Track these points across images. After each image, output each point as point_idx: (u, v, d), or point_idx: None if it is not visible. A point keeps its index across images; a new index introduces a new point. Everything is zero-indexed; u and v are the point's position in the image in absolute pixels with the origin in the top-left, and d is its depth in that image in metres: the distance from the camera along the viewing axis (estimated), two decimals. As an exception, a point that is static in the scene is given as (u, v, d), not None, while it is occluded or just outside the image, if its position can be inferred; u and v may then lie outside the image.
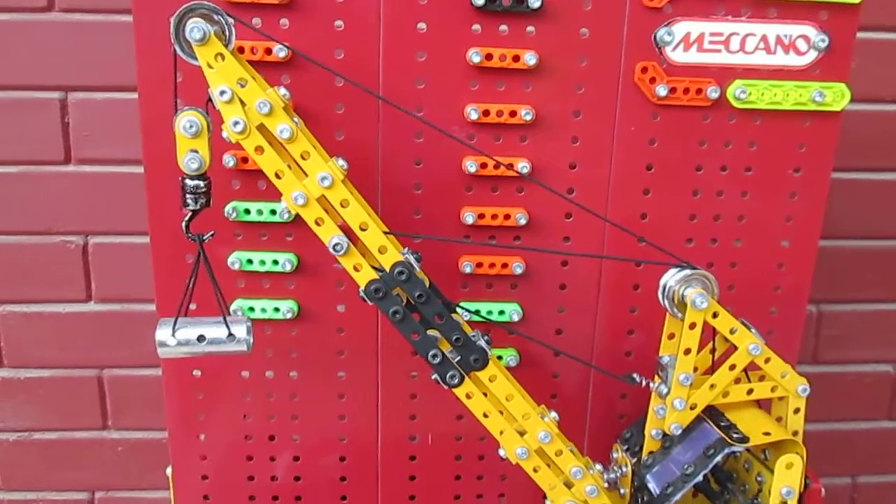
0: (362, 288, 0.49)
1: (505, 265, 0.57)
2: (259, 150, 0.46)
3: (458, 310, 0.57)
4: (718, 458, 0.51)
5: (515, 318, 0.58)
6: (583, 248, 0.58)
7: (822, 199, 0.58)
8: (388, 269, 0.49)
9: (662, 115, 0.55)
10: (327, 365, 0.60)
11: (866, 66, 0.78)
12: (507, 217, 0.56)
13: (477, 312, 0.58)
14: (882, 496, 0.91)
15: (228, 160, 0.54)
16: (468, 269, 0.57)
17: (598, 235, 0.58)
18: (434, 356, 0.50)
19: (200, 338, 0.49)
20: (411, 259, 0.49)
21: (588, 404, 0.63)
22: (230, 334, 0.49)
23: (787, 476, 0.52)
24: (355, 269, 0.49)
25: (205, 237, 0.49)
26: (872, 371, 0.87)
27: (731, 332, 0.52)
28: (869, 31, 0.79)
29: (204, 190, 0.48)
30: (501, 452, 0.53)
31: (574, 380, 0.62)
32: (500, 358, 0.59)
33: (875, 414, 0.89)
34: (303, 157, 0.47)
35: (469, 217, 0.56)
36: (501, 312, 0.58)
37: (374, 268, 0.49)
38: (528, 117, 0.54)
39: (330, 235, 0.48)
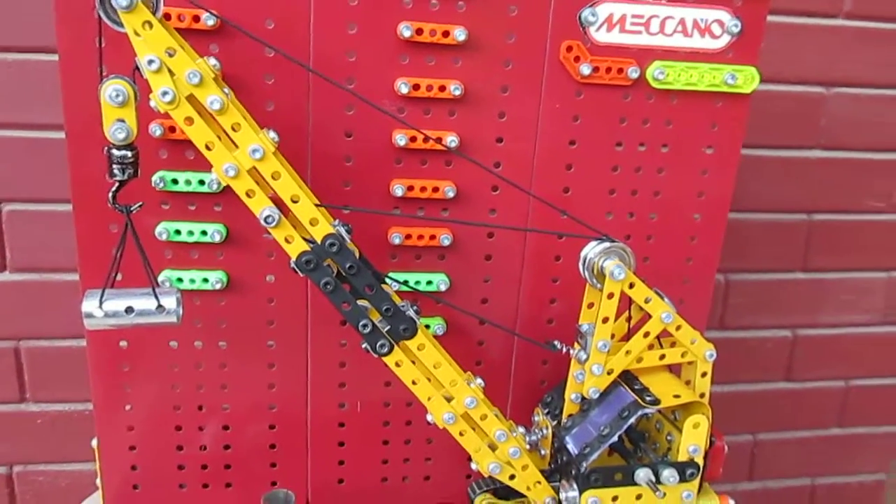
0: (294, 259, 0.50)
1: (433, 237, 0.59)
2: (189, 120, 0.46)
3: (388, 280, 0.58)
4: (633, 420, 0.55)
5: (443, 287, 0.60)
6: (508, 221, 0.60)
7: (732, 175, 0.62)
8: (319, 241, 0.49)
9: (586, 92, 0.57)
10: (257, 335, 0.61)
11: (771, 47, 0.82)
12: (435, 190, 0.58)
13: (406, 283, 0.59)
14: (779, 451, 0.98)
15: (155, 129, 0.53)
16: (397, 241, 0.58)
17: (523, 208, 0.60)
18: (364, 326, 0.51)
19: (129, 309, 0.49)
20: (342, 231, 0.50)
21: (512, 370, 0.65)
22: (159, 305, 0.49)
23: (694, 435, 0.56)
24: (287, 240, 0.49)
25: (133, 208, 0.49)
26: (773, 336, 0.93)
27: (646, 301, 0.55)
28: (775, 15, 0.84)
29: (131, 160, 0.47)
30: (429, 418, 0.55)
31: (498, 347, 0.64)
32: (427, 327, 0.61)
33: (774, 376, 0.95)
34: (233, 129, 0.47)
35: (398, 189, 0.57)
36: (429, 283, 0.60)
37: (305, 239, 0.50)
38: (457, 92, 0.55)
39: (261, 207, 0.48)
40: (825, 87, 0.85)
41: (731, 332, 0.91)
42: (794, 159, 0.86)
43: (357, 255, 0.52)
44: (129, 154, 0.47)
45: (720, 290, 0.89)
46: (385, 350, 0.52)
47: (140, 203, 0.49)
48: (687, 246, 0.63)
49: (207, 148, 0.47)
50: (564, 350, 0.57)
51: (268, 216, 0.48)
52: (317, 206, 0.49)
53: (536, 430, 0.62)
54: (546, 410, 0.62)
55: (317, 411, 0.64)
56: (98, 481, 0.64)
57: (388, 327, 0.52)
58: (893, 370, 0.98)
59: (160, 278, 0.57)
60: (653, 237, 0.63)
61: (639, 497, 0.57)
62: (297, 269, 0.50)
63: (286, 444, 0.64)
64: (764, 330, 0.93)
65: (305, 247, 0.49)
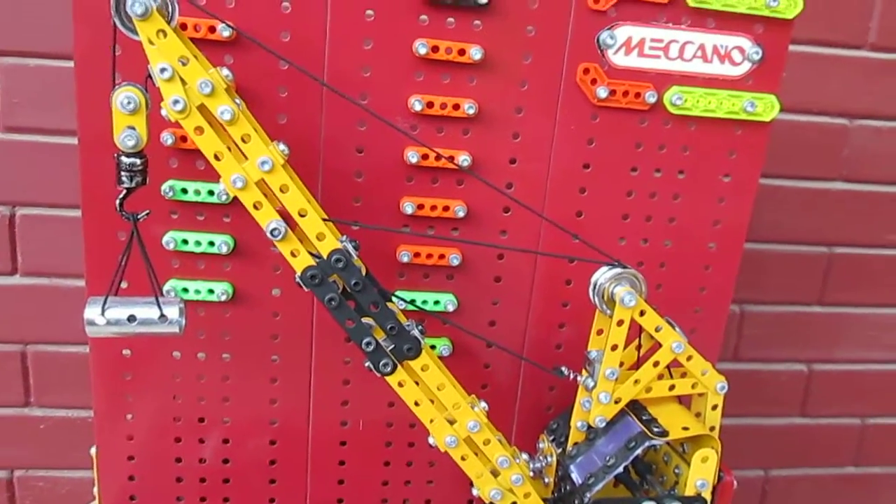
0: (298, 274, 0.49)
1: (442, 256, 0.58)
2: (199, 130, 0.46)
3: (394, 299, 0.57)
4: (639, 451, 0.53)
5: (450, 308, 0.59)
6: (519, 243, 0.59)
7: (749, 204, 0.61)
8: (325, 256, 0.49)
9: (601, 116, 0.57)
10: (261, 348, 0.60)
11: (794, 77, 0.82)
12: (445, 209, 0.57)
13: (412, 302, 0.58)
14: (791, 488, 0.96)
15: (167, 138, 0.53)
16: (405, 259, 0.58)
17: (535, 231, 0.59)
18: (368, 344, 0.50)
19: (131, 318, 0.49)
20: (349, 247, 0.49)
21: (518, 395, 0.64)
22: (162, 315, 0.49)
23: (702, 469, 0.55)
24: (292, 254, 0.49)
25: (139, 216, 0.49)
26: (788, 370, 0.91)
27: (657, 330, 0.54)
28: (799, 45, 0.83)
29: (140, 168, 0.47)
30: (431, 440, 0.54)
31: (505, 371, 0.63)
32: (433, 347, 0.60)
33: (789, 411, 0.93)
34: (243, 140, 0.47)
35: (408, 207, 0.56)
36: (437, 302, 0.59)
37: (311, 254, 0.49)
38: (471, 111, 0.55)
39: (268, 220, 0.48)
40: (848, 118, 0.84)
41: (745, 364, 0.89)
42: (815, 190, 0.84)
43: (363, 271, 0.51)
44: (138, 162, 0.47)
45: (735, 321, 0.87)
46: (388, 369, 0.51)
47: (147, 211, 0.49)
48: (701, 275, 0.62)
49: (216, 158, 0.46)
50: (572, 376, 0.56)
51: (274, 229, 0.48)
52: (324, 220, 0.49)
53: (541, 458, 0.61)
54: (551, 437, 0.61)
55: (318, 428, 0.63)
56: (95, 490, 0.63)
57: (392, 346, 0.51)
58: (912, 410, 0.96)
59: (166, 287, 0.57)
60: (666, 265, 0.61)
61: (643, 531, 0.55)
62: (301, 284, 0.49)
63: (286, 461, 0.63)
64: (779, 363, 0.91)
65: (311, 261, 0.49)
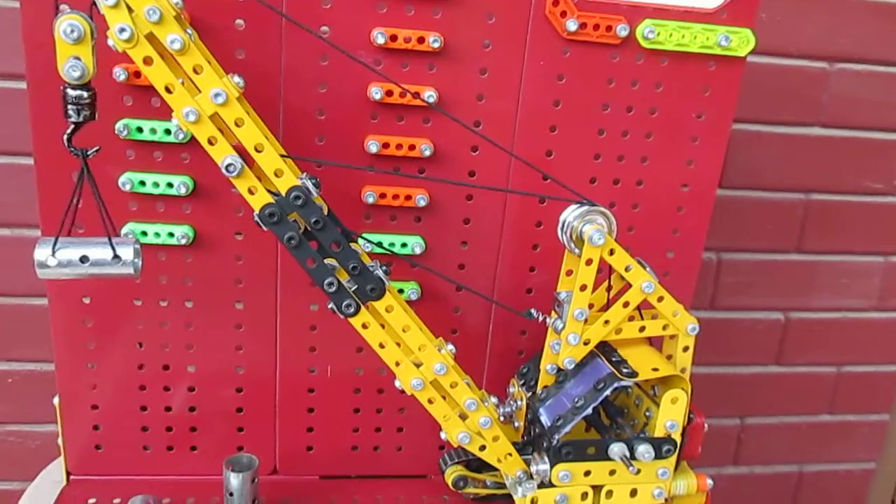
0: (256, 212, 0.47)
1: (408, 197, 0.56)
2: (148, 61, 0.44)
3: (360, 241, 0.56)
4: (608, 392, 0.52)
5: (418, 251, 0.58)
6: (487, 183, 0.57)
7: (723, 144, 0.59)
8: (283, 194, 0.47)
9: (572, 50, 0.55)
10: (224, 294, 0.59)
11: (773, 18, 0.80)
12: (412, 148, 0.55)
13: (379, 244, 0.57)
14: (767, 436, 0.96)
15: (119, 73, 0.51)
16: (371, 200, 0.56)
17: (504, 170, 0.57)
18: (330, 284, 0.49)
19: (83, 258, 0.47)
20: (308, 184, 0.48)
21: (488, 340, 0.63)
22: (116, 256, 0.47)
23: (671, 410, 0.54)
24: (250, 191, 0.47)
25: (89, 152, 0.47)
26: (765, 318, 0.91)
27: (627, 269, 0.53)
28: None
29: (87, 101, 0.45)
30: (397, 384, 0.53)
31: (475, 315, 0.62)
32: (401, 291, 0.59)
33: (765, 359, 0.93)
34: (195, 72, 0.45)
35: (373, 146, 0.55)
36: (404, 245, 0.58)
37: (269, 192, 0.48)
38: (437, 45, 0.53)
39: (223, 155, 0.46)
40: (828, 62, 0.83)
41: (722, 313, 0.89)
42: (793, 136, 0.83)
43: (325, 210, 0.49)
44: (86, 95, 0.44)
45: (712, 269, 0.87)
46: (351, 311, 0.50)
47: (97, 147, 0.47)
48: (674, 216, 0.61)
49: (167, 91, 0.44)
50: (541, 318, 0.55)
51: (229, 164, 0.46)
52: (283, 157, 0.47)
53: (511, 402, 0.60)
54: (521, 381, 0.60)
55: (286, 375, 0.62)
56: (59, 441, 0.62)
57: (355, 287, 0.50)
58: (886, 357, 0.96)
59: (124, 231, 0.55)
60: (638, 206, 0.60)
61: (612, 473, 0.55)
62: (260, 223, 0.48)
63: (254, 409, 0.63)
64: (755, 312, 0.90)
65: (269, 199, 0.47)
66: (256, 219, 0.48)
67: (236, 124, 0.46)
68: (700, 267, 0.65)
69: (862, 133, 0.85)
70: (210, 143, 0.46)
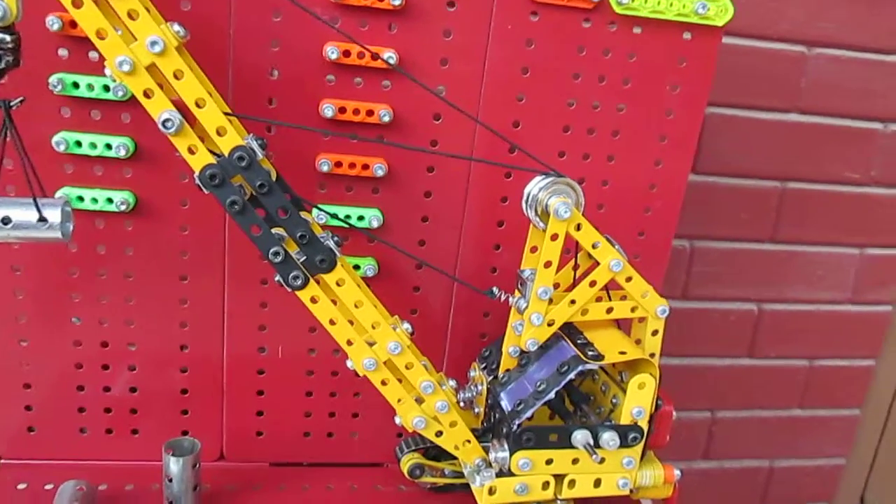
0: (197, 173, 0.44)
1: (366, 166, 0.53)
2: (77, 2, 0.40)
3: (315, 212, 0.53)
4: (572, 376, 0.50)
5: (375, 224, 0.55)
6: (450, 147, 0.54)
7: (699, 117, 0.57)
8: (226, 154, 0.44)
9: (542, 14, 0.52)
10: (168, 266, 0.55)
11: (752, 1, 0.77)
12: (370, 113, 0.52)
13: (334, 216, 0.54)
14: (738, 430, 0.94)
15: (53, 23, 0.47)
16: (325, 168, 0.53)
17: (468, 141, 0.54)
18: (276, 254, 0.45)
19: (5, 220, 0.43)
20: (254, 145, 0.44)
21: (449, 321, 0.60)
22: (41, 218, 0.43)
23: (639, 396, 0.51)
24: (190, 151, 0.43)
25: (12, 103, 0.43)
26: (738, 309, 0.89)
27: (594, 246, 0.50)
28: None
29: (10, 46, 0.41)
30: (349, 364, 0.49)
31: (436, 295, 0.59)
32: (357, 268, 0.56)
33: (737, 351, 0.91)
34: (130, 17, 0.41)
35: (328, 110, 0.51)
36: (361, 218, 0.55)
37: (212, 153, 0.44)
38: (397, 2, 0.49)
39: (160, 110, 0.42)
40: (807, 46, 0.80)
41: (694, 303, 0.87)
42: (770, 122, 0.81)
43: (273, 175, 0.46)
44: (8, 38, 0.41)
45: (684, 258, 0.84)
46: (299, 283, 0.46)
47: (21, 98, 0.43)
48: (645, 195, 0.58)
49: (99, 37, 0.41)
50: (503, 298, 0.52)
51: (167, 120, 0.42)
52: (227, 115, 0.44)
53: (471, 387, 0.57)
54: (483, 365, 0.57)
55: (233, 355, 0.58)
56: (-11, 421, 0.58)
57: (304, 258, 0.46)
58: (859, 352, 0.94)
59: (58, 195, 0.51)
60: (609, 182, 0.57)
61: (575, 462, 0.52)
62: (200, 185, 0.44)
63: (199, 390, 0.59)
64: (728, 302, 0.88)
65: (210, 159, 0.44)
66: (197, 181, 0.44)
67: (175, 76, 0.42)
68: (672, 254, 0.63)
69: (840, 121, 0.83)
70: (146, 95, 0.42)
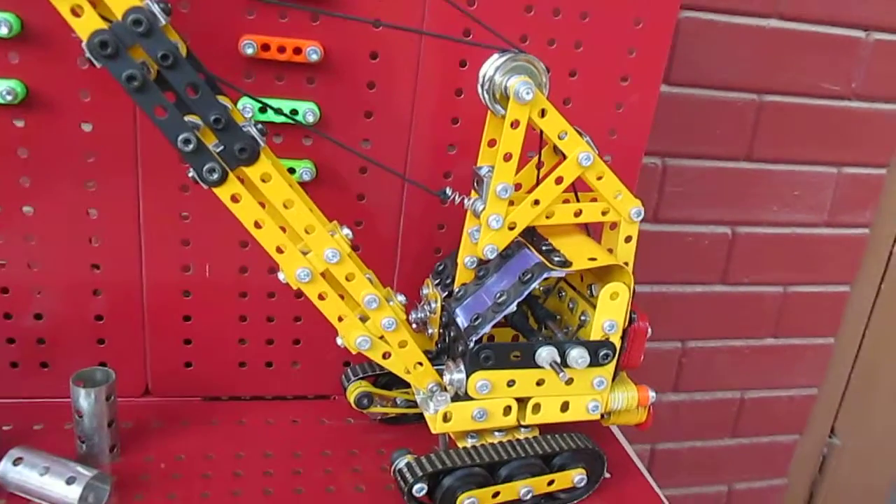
0: (85, 41, 0.36)
1: (298, 50, 0.46)
2: None
3: (244, 104, 0.45)
4: (535, 284, 0.44)
5: (310, 119, 0.48)
6: (396, 32, 0.47)
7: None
8: (120, 18, 0.36)
9: None
10: (71, 171, 0.47)
11: None
12: (300, -15, 0.44)
13: (265, 105, 0.46)
14: (709, 361, 0.90)
15: None
16: (250, 51, 0.45)
17: (417, 15, 0.47)
18: (186, 142, 0.38)
19: None
20: (155, 8, 0.37)
21: (399, 234, 0.54)
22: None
23: (611, 308, 0.46)
24: (74, 13, 0.36)
25: None
26: (711, 233, 0.84)
27: (561, 137, 0.43)
28: None
29: None
30: (281, 276, 0.43)
31: (383, 204, 0.52)
32: (291, 171, 0.49)
33: (710, 278, 0.86)
34: None
35: (250, -20, 0.44)
36: (294, 112, 0.47)
37: (103, 17, 0.36)
38: None
39: (32, -41, 0.34)
40: (788, -56, 0.74)
41: (666, 226, 0.81)
42: (748, 27, 0.75)
43: (182, 49, 0.38)
44: None
45: (656, 177, 0.78)
46: (215, 177, 0.39)
47: None
48: (617, 89, 0.52)
49: None
50: (458, 199, 0.46)
51: (41, -28, 0.34)
52: (119, -30, 0.36)
53: (424, 306, 0.51)
54: (437, 281, 0.51)
55: (154, 275, 0.51)
56: None
57: (222, 148, 0.39)
58: (834, 277, 0.90)
59: (-72, 83, 0.43)
60: (577, 73, 0.51)
61: (540, 383, 0.46)
62: (91, 58, 0.37)
63: (116, 316, 0.52)
64: (701, 226, 0.83)
65: (101, 24, 0.36)
66: (86, 52, 0.37)
67: (49, -83, 0.34)
68: (642, 172, 0.57)
69: (821, 28, 0.77)
70: (14, -59, 0.34)
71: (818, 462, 1.03)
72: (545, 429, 0.49)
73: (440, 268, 0.51)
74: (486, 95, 0.43)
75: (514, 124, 0.42)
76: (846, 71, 0.80)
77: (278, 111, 0.47)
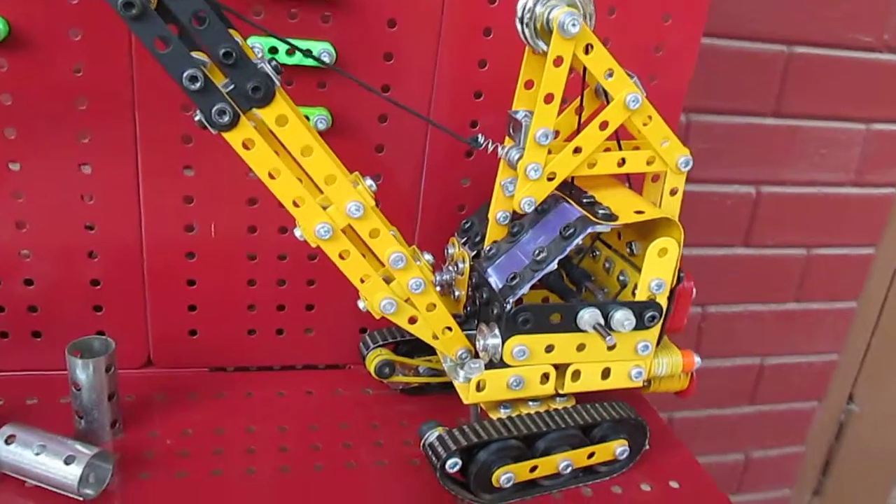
0: (74, -38, 0.32)
1: (312, -18, 0.41)
2: None
3: (252, 43, 0.41)
4: (579, 240, 0.40)
5: (326, 59, 0.43)
6: (420, -32, 0.43)
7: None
8: (115, -66, 0.32)
9: None
10: (61, 121, 0.43)
11: None
12: None
13: (274, 49, 0.42)
14: (730, 326, 0.87)
15: None
16: (259, -17, 0.41)
17: (442, -52, 0.43)
18: (192, 79, 0.34)
19: None
20: (155, -76, 0.32)
21: (421, 188, 0.49)
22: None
23: (659, 265, 0.42)
24: (62, -71, 0.31)
25: None
26: (735, 192, 0.80)
27: (607, 76, 0.39)
28: None
29: None
30: (297, 233, 0.39)
31: (403, 155, 0.48)
32: (306, 118, 0.44)
33: (733, 240, 0.83)
34: None
35: None
36: (308, 52, 0.43)
37: (96, -65, 0.32)
38: None
39: None
40: None
41: (690, 185, 0.77)
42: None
43: (185, -26, 0.34)
44: None
45: (680, 132, 0.74)
46: (226, 120, 0.35)
47: None
48: (658, 28, 0.48)
49: None
50: (491, 147, 0.42)
51: None
52: None
53: (450, 267, 0.47)
54: (464, 240, 0.47)
55: (154, 235, 0.47)
56: None
57: (232, 87, 0.35)
58: (859, 239, 0.87)
59: None
60: (615, 11, 0.47)
61: (581, 348, 0.42)
62: (82, -18, 0.32)
63: (114, 281, 0.48)
64: (725, 185, 0.79)
65: (93, -58, 0.31)
66: (76, -25, 0.32)
67: None
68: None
69: (854, -26, 0.73)
70: None
71: (836, 429, 1.01)
72: (579, 398, 0.45)
73: (466, 225, 0.47)
74: (525, 30, 0.38)
75: (558, 61, 0.38)
76: (879, 21, 0.76)
77: (293, 50, 0.42)
